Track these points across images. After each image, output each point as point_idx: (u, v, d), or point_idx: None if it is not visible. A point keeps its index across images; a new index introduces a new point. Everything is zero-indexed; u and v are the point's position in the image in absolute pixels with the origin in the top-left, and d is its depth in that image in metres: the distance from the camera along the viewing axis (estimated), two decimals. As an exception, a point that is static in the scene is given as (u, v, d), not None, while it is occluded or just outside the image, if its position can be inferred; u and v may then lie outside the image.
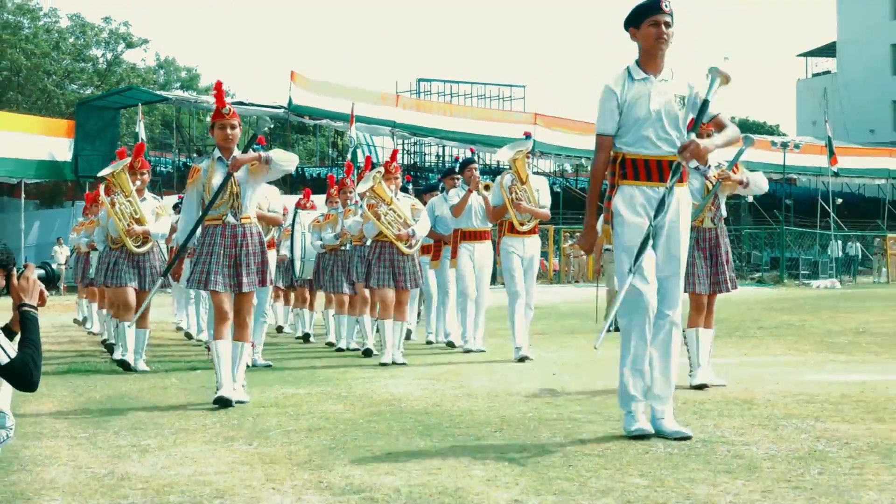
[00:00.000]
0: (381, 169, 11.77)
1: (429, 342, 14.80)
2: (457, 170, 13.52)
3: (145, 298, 11.01)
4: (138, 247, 11.17)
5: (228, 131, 8.39)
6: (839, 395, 8.48)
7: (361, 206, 12.47)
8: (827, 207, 45.75)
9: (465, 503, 5.03)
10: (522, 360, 11.51)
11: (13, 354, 5.15)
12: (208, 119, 45.84)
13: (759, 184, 9.43)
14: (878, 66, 72.72)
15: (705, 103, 6.44)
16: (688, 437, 6.36)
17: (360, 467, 5.89)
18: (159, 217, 11.52)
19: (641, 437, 6.34)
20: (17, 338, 5.31)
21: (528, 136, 12.47)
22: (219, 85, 8.41)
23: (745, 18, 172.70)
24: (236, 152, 8.43)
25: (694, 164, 7.55)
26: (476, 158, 13.95)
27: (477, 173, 12.81)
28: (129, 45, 59.49)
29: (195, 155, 46.90)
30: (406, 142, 45.68)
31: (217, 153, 8.41)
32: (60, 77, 57.39)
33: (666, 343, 6.76)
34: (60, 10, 60.61)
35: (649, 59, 6.42)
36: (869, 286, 39.44)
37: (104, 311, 14.71)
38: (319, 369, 11.44)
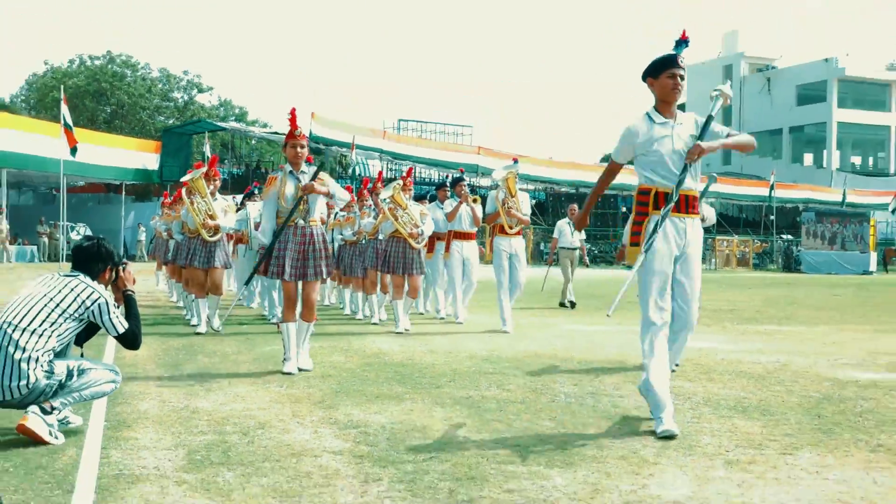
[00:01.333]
0: (401, 181, 11.30)
1: (419, 313, 14.27)
2: (448, 185, 13.01)
3: (215, 275, 10.81)
4: (211, 236, 10.69)
5: (298, 150, 7.70)
6: (683, 360, 8.48)
7: (374, 209, 12.25)
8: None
9: (429, 437, 5.04)
10: (503, 331, 10.99)
11: (127, 325, 5.19)
12: (254, 142, 45.36)
13: (711, 217, 8.42)
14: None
15: (709, 119, 5.69)
16: (674, 435, 5.10)
17: (357, 407, 5.90)
18: (227, 213, 11.06)
19: (669, 437, 5.08)
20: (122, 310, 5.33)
21: (515, 161, 11.95)
22: (293, 111, 7.66)
23: (620, 83, 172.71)
24: (306, 175, 7.67)
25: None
26: (465, 178, 12.97)
27: (466, 189, 12.39)
28: (200, 91, 59.40)
29: (244, 167, 46.70)
30: (390, 164, 45.50)
31: (288, 167, 7.72)
32: (152, 111, 57.20)
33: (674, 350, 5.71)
34: (152, 64, 60.12)
35: (666, 107, 5.55)
36: (704, 273, 39.63)
37: (180, 285, 13.88)
38: (328, 329, 11.29)
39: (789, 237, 46.14)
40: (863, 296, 20.84)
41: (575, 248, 16.67)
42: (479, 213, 12.22)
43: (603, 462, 4.53)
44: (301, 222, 7.64)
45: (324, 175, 7.72)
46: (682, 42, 5.60)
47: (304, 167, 7.71)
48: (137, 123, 55.74)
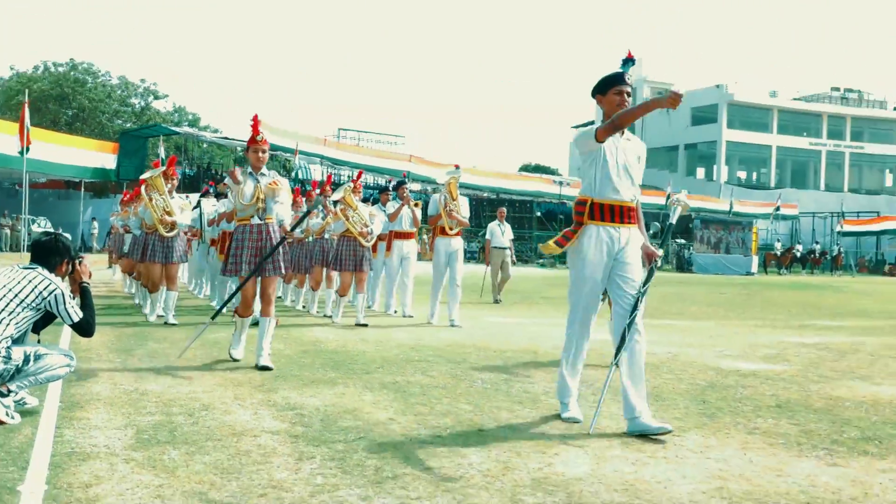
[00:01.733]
0: (351, 184, 10.89)
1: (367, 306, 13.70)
2: (391, 188, 12.74)
3: (172, 270, 10.23)
4: (167, 232, 10.13)
5: (260, 154, 7.15)
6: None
7: (322, 210, 11.82)
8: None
9: (359, 419, 5.01)
10: (456, 326, 10.57)
11: (81, 314, 5.06)
12: (205, 145, 44.55)
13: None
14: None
15: (669, 226, 5.53)
16: (669, 431, 4.77)
17: (295, 391, 5.83)
18: (184, 211, 10.52)
19: (574, 422, 5.06)
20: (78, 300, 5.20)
21: (457, 167, 11.56)
22: (255, 117, 7.17)
23: (539, 103, 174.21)
24: (265, 178, 7.17)
25: None
26: (406, 181, 12.54)
27: (408, 192, 12.05)
28: (156, 97, 58.20)
29: (196, 168, 45.89)
30: (330, 169, 45.07)
31: (249, 168, 7.22)
32: (111, 115, 55.85)
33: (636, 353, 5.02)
34: (112, 72, 58.64)
35: None
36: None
37: (133, 278, 13.49)
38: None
39: (682, 241, 46.85)
40: (745, 294, 21.28)
41: (505, 248, 16.33)
42: (419, 215, 11.97)
43: (514, 442, 4.55)
44: (257, 220, 7.19)
45: (280, 180, 7.30)
46: (629, 61, 5.34)
47: (263, 169, 7.29)
48: (97, 126, 54.40)
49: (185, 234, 11.45)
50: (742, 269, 39.23)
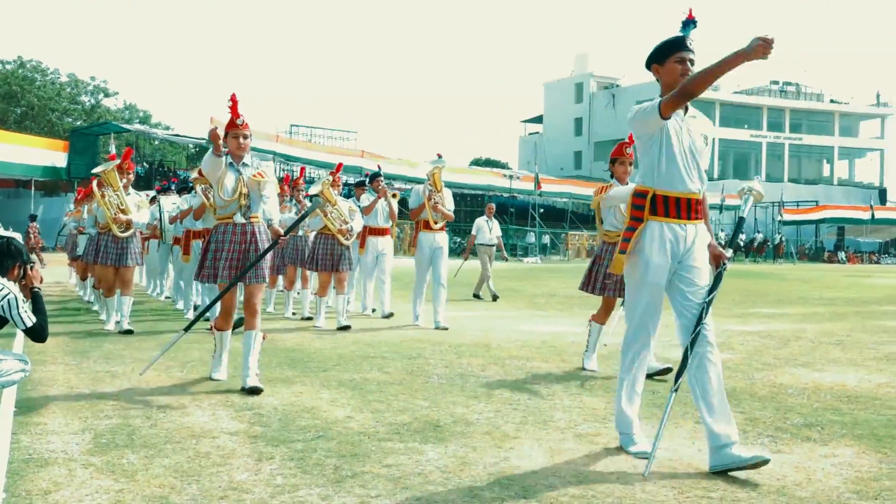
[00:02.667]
0: (330, 177, 9.96)
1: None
2: (366, 182, 11.67)
3: (126, 273, 9.25)
4: (122, 232, 9.13)
5: (241, 140, 6.11)
6: (540, 342, 8.66)
7: (296, 204, 11.07)
8: (534, 214, 46.63)
9: (317, 418, 5.00)
10: (442, 328, 9.71)
11: (35, 319, 4.97)
12: (157, 142, 44.04)
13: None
14: (566, 130, 74.41)
15: (741, 221, 4.72)
16: (766, 461, 3.93)
17: (251, 391, 5.80)
18: (140, 209, 9.42)
19: (643, 457, 4.15)
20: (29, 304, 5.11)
21: (440, 156, 10.41)
22: (234, 97, 6.06)
23: (489, 97, 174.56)
24: (248, 168, 6.14)
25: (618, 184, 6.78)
26: (381, 173, 11.49)
27: (384, 184, 11.10)
28: (106, 95, 57.43)
29: (147, 166, 45.23)
30: (282, 165, 44.67)
31: (229, 158, 6.11)
32: (60, 113, 54.93)
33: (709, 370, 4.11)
34: (61, 69, 57.79)
35: None
36: (557, 263, 40.45)
37: (87, 281, 12.75)
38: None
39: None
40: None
41: (493, 244, 15.90)
42: (395, 209, 11.22)
43: (470, 437, 4.58)
44: (240, 219, 6.10)
45: (266, 171, 6.25)
46: (690, 22, 4.37)
47: (246, 159, 6.21)
48: (47, 124, 53.45)
49: (141, 233, 10.78)
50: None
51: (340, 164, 10.88)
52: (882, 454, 4.35)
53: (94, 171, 9.54)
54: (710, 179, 58.52)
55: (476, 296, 15.39)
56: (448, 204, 10.25)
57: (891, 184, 75.07)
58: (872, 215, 57.63)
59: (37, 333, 5.02)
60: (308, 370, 6.71)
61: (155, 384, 6.00)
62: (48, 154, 38.99)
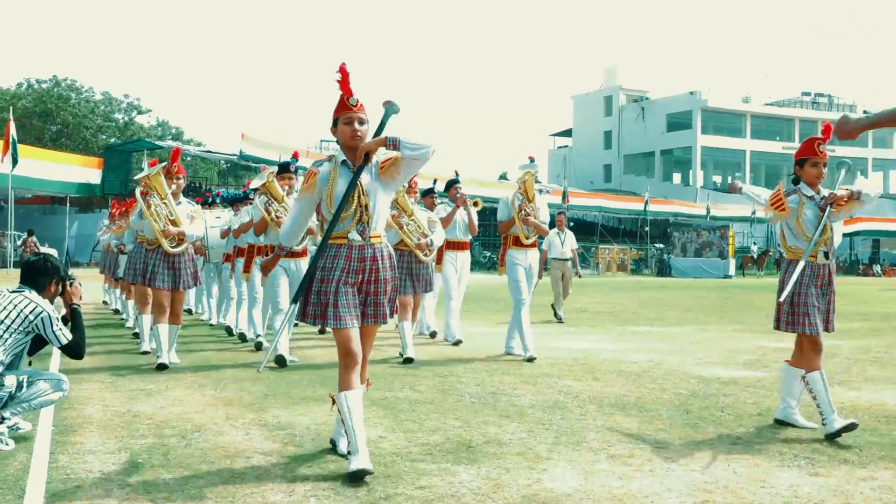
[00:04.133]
0: (405, 184, 8.15)
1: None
2: (438, 190, 10.37)
3: (178, 298, 7.98)
4: (173, 247, 7.80)
5: (356, 126, 4.40)
6: (572, 360, 8.60)
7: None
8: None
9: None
10: (531, 360, 8.37)
11: (70, 337, 5.04)
12: (189, 159, 44.54)
13: (872, 191, 5.49)
14: (595, 144, 74.18)
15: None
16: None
17: (285, 409, 5.82)
18: (194, 220, 8.06)
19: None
20: (69, 323, 5.17)
21: (532, 160, 9.08)
22: (343, 68, 4.46)
23: (517, 111, 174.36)
24: (372, 170, 4.50)
25: (809, 192, 5.40)
26: (458, 180, 10.26)
27: (462, 192, 9.95)
28: (139, 112, 58.28)
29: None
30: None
31: (341, 156, 4.49)
32: (95, 131, 55.81)
33: None
34: (95, 88, 58.82)
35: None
36: (587, 277, 40.29)
37: (131, 303, 11.21)
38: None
39: (661, 245, 47.05)
40: (723, 297, 21.41)
41: (567, 259, 14.19)
42: (476, 220, 10.07)
43: (502, 458, 4.57)
44: (356, 238, 4.42)
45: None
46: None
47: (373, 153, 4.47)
48: (81, 141, 54.29)
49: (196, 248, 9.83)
50: (720, 272, 39.46)
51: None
52: (922, 477, 4.27)
53: (139, 176, 8.25)
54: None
55: (558, 317, 13.79)
56: (542, 216, 8.80)
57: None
58: (907, 227, 56.91)
59: (73, 351, 5.09)
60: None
61: (189, 403, 6.04)
62: (83, 171, 39.51)
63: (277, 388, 6.73)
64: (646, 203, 51.01)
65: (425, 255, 8.63)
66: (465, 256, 10.28)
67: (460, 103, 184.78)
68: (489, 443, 4.91)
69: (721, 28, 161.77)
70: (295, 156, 8.11)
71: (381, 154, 4.50)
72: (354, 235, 4.43)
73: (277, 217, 8.12)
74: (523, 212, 8.65)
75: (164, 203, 7.89)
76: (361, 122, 4.46)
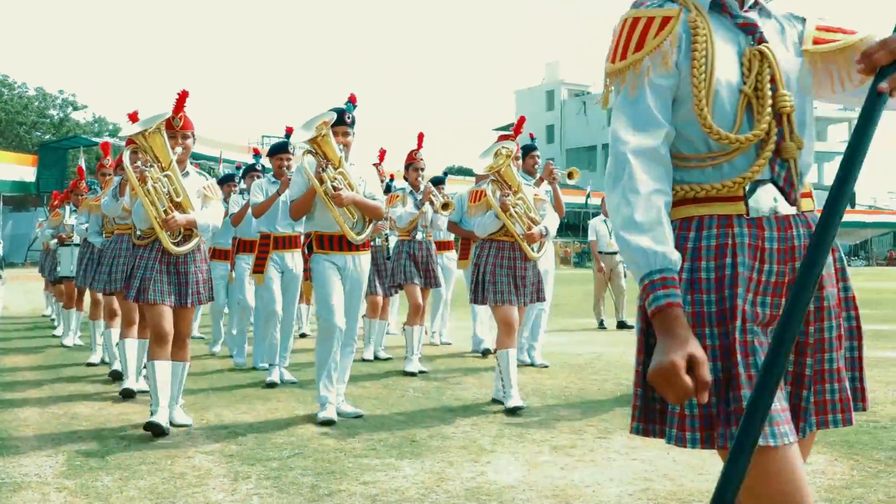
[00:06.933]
0: (511, 146, 5.92)
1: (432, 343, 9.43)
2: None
3: (187, 318, 5.26)
4: (178, 243, 5.09)
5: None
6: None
7: (458, 196, 7.82)
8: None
9: (293, 435, 4.98)
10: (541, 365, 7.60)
11: None
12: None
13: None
14: (538, 136, 74.16)
15: None
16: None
17: (227, 408, 5.77)
18: (208, 202, 5.26)
19: None
20: None
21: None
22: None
23: (460, 105, 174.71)
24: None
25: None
26: (536, 146, 7.81)
27: (554, 165, 8.26)
28: (75, 108, 57.02)
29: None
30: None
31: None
32: (29, 127, 54.52)
33: None
34: (29, 83, 57.37)
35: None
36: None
37: (73, 313, 9.43)
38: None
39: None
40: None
41: (614, 253, 11.49)
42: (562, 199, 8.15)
43: (446, 452, 4.59)
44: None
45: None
46: None
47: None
48: (14, 139, 52.99)
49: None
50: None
51: (523, 118, 6.97)
52: (854, 461, 4.40)
53: (125, 132, 5.23)
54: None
55: (623, 323, 11.75)
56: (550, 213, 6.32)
57: (859, 187, 75.95)
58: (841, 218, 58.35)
59: None
60: (282, 386, 6.68)
61: (128, 403, 5.95)
62: (16, 169, 38.68)
63: (220, 385, 6.66)
64: (587, 196, 51.49)
65: (535, 249, 5.92)
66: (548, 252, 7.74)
67: (403, 98, 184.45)
68: (433, 437, 4.93)
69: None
70: (352, 99, 5.64)
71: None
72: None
73: (335, 190, 5.31)
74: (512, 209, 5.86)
75: (166, 175, 5.11)
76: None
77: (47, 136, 52.86)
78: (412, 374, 7.19)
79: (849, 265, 1.97)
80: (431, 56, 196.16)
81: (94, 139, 45.39)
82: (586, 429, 5.13)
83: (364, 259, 5.56)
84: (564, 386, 6.68)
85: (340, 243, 5.43)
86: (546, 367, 7.64)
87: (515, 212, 5.84)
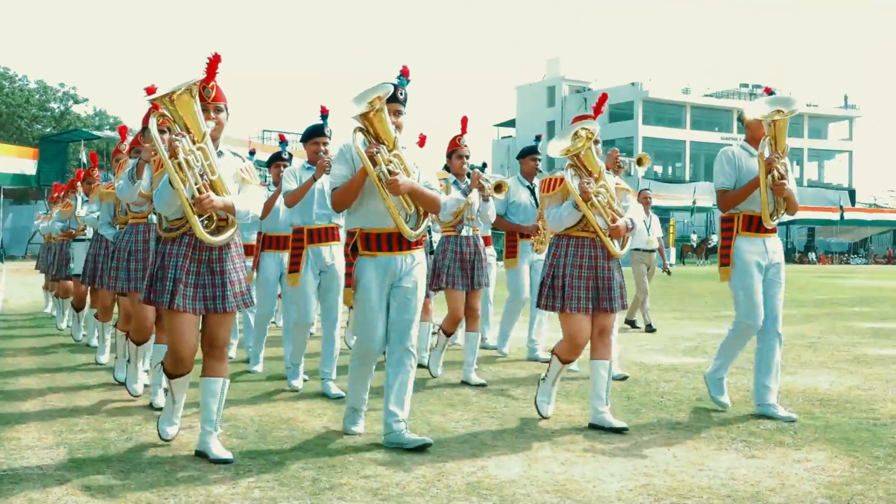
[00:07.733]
0: (592, 127, 5.22)
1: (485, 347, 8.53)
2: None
3: (226, 325, 4.42)
4: (213, 233, 4.23)
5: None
6: (515, 349, 8.53)
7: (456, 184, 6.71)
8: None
9: (294, 429, 4.99)
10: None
11: None
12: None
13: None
14: (539, 132, 74.25)
15: None
16: None
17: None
18: (246, 185, 4.42)
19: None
20: None
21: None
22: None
23: (461, 101, 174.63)
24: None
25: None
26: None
27: (619, 154, 7.09)
28: (76, 101, 57.02)
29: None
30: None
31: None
32: (29, 120, 54.55)
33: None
34: (30, 76, 57.43)
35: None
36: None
37: (85, 313, 8.90)
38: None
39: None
40: (664, 286, 21.72)
41: (653, 250, 11.08)
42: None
43: (447, 446, 4.59)
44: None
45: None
46: None
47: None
48: (15, 132, 53.02)
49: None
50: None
51: (605, 95, 5.94)
52: (854, 458, 4.41)
53: (153, 96, 4.23)
54: (682, 182, 58.85)
55: (630, 322, 11.01)
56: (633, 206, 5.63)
57: (859, 185, 76.09)
58: (842, 216, 58.23)
59: None
60: (283, 380, 6.68)
61: (129, 397, 5.95)
62: (17, 162, 38.72)
63: (220, 380, 6.65)
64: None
65: (618, 242, 5.18)
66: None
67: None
68: (434, 431, 4.93)
69: (662, 20, 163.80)
70: (404, 72, 4.95)
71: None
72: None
73: (390, 175, 4.43)
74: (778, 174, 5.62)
75: (199, 149, 4.22)
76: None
77: (48, 130, 52.90)
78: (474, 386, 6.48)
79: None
80: (432, 52, 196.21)
81: (94, 132, 45.44)
82: (587, 424, 5.13)
83: (419, 255, 4.67)
84: (565, 381, 6.68)
85: (390, 241, 4.55)
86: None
87: (598, 201, 5.03)
